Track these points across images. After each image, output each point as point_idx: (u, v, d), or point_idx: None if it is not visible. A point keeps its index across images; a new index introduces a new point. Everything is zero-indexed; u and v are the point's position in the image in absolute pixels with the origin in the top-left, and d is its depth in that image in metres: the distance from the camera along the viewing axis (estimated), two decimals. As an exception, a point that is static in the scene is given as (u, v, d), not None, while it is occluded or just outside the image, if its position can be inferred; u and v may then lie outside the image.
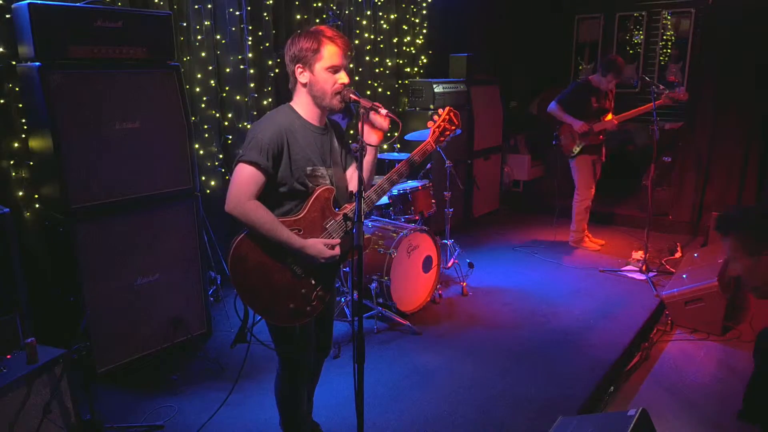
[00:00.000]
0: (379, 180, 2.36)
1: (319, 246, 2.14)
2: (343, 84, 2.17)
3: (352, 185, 2.35)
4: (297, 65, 2.16)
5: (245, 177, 2.07)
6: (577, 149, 5.23)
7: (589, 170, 5.35)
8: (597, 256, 5.42)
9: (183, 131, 3.48)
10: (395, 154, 5.26)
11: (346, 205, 2.32)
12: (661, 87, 4.85)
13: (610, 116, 5.18)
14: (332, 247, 2.17)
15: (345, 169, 2.39)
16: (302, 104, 2.22)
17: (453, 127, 2.41)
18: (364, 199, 2.26)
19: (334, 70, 2.15)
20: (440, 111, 2.40)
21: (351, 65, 2.16)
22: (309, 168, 2.18)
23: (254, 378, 3.27)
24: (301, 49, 2.13)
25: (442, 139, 2.41)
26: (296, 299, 2.19)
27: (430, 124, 2.41)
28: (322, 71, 2.14)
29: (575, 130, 5.15)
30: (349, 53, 2.21)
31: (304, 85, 2.18)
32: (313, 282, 2.23)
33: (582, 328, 3.94)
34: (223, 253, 4.45)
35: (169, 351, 3.51)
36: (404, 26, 6.28)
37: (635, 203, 6.56)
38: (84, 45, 3.04)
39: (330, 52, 2.13)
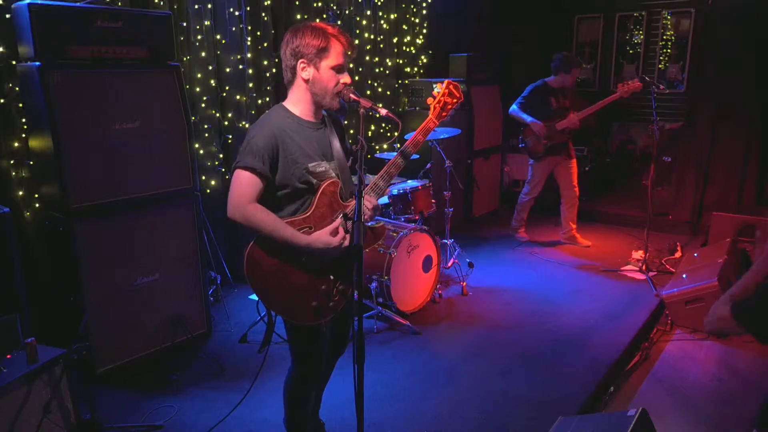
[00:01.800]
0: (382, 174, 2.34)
1: (324, 237, 2.11)
2: (344, 84, 2.16)
3: None
4: (300, 60, 2.12)
5: (243, 182, 2.06)
6: (543, 150, 5.36)
7: (544, 171, 5.51)
8: (597, 256, 5.42)
9: (183, 131, 3.48)
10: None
11: (353, 197, 2.29)
12: (662, 87, 4.85)
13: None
14: (336, 232, 2.13)
15: (348, 160, 2.37)
16: (298, 101, 2.19)
17: (454, 100, 2.33)
18: (373, 188, 2.26)
19: (339, 69, 2.14)
20: (439, 85, 2.33)
21: (351, 65, 2.17)
22: (311, 164, 2.15)
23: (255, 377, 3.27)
24: (307, 45, 2.10)
25: (444, 114, 2.34)
26: (318, 297, 2.18)
27: (429, 100, 2.34)
28: (327, 69, 2.12)
29: (535, 131, 5.24)
30: (350, 53, 2.20)
31: (306, 80, 2.15)
32: (331, 277, 2.21)
33: (582, 328, 3.93)
34: (223, 253, 4.45)
35: (169, 351, 3.51)
36: (404, 26, 6.28)
37: (635, 203, 6.56)
38: (84, 45, 3.04)
39: (337, 51, 2.12)
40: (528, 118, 5.25)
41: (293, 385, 2.41)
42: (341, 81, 2.15)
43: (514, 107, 5.38)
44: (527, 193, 5.66)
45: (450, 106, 2.35)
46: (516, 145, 7.51)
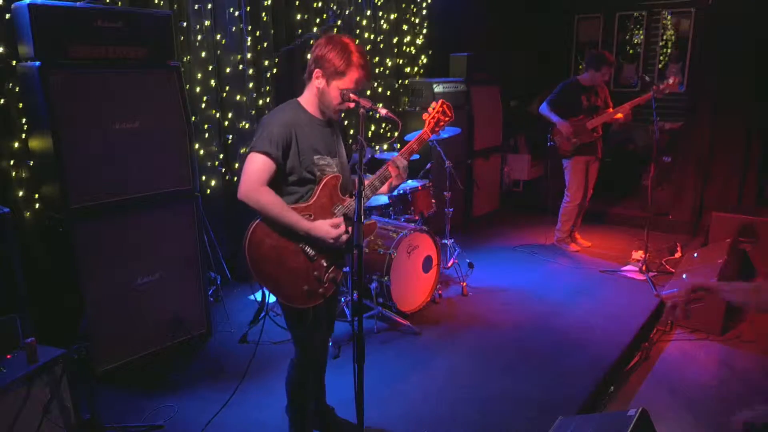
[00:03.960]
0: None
1: (324, 227, 2.26)
2: (348, 106, 2.30)
3: None
4: (317, 69, 2.27)
5: (257, 165, 2.20)
6: (572, 149, 5.21)
7: (581, 172, 5.32)
8: (597, 256, 5.42)
9: (183, 131, 3.48)
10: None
11: (352, 191, 2.44)
12: (662, 86, 4.83)
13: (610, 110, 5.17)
14: (337, 226, 2.27)
15: (348, 158, 2.55)
16: (309, 100, 2.36)
17: (446, 118, 2.58)
18: (370, 186, 2.41)
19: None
20: (433, 104, 2.57)
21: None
22: (316, 157, 2.31)
23: (254, 377, 3.27)
24: (329, 60, 2.24)
25: (437, 129, 2.58)
26: (310, 281, 2.32)
27: (425, 116, 2.57)
28: (337, 89, 2.27)
29: (562, 131, 5.13)
30: (366, 82, 2.32)
31: (317, 88, 2.31)
32: (324, 264, 2.35)
33: (582, 328, 3.93)
34: (223, 253, 4.45)
35: (169, 351, 3.51)
36: (404, 26, 6.28)
37: (635, 203, 6.56)
38: (84, 45, 3.04)
39: (352, 78, 2.26)
40: (555, 118, 5.13)
41: (295, 370, 2.53)
42: (345, 103, 2.30)
43: (543, 106, 5.24)
44: (570, 200, 5.41)
45: (443, 123, 2.58)
46: (514, 145, 7.56)
